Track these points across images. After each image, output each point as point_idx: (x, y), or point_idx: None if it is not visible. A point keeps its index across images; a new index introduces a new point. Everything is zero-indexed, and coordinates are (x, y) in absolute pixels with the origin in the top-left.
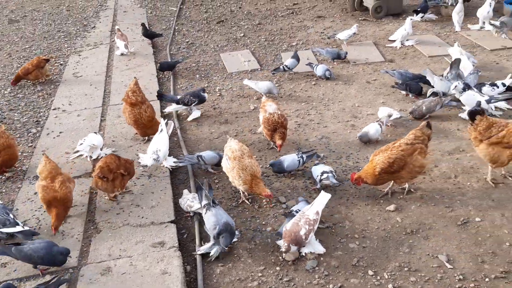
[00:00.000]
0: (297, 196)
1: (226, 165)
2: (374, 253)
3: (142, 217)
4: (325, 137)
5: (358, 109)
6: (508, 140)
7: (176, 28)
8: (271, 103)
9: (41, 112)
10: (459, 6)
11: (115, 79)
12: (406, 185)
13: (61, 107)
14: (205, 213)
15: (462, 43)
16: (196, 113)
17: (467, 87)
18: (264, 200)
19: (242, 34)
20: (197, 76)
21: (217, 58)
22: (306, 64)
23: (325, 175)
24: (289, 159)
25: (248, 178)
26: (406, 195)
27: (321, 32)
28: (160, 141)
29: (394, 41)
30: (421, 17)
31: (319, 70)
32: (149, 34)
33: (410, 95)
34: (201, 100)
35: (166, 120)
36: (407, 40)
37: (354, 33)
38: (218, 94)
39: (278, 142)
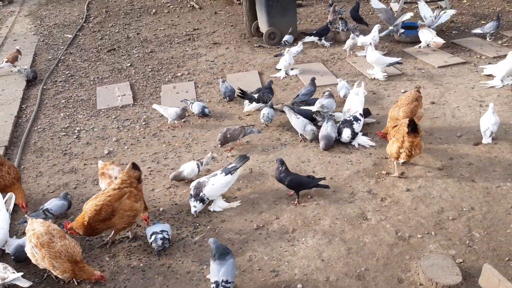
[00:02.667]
0: (123, 274)
1: (33, 254)
2: None
3: None
4: (174, 185)
5: (220, 150)
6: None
7: (62, 58)
8: (113, 166)
9: None
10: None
11: None
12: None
13: None
14: None
15: (347, 70)
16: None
17: None
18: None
19: (129, 64)
20: (61, 115)
21: (93, 92)
22: (181, 101)
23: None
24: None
25: (66, 265)
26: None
27: (211, 61)
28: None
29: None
30: (319, 40)
31: (196, 107)
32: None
33: None
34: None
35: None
36: (291, 69)
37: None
38: (75, 137)
39: (145, 214)
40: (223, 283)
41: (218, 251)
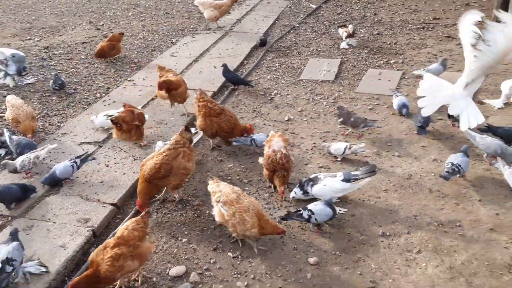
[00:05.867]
0: None
1: (221, 212)
2: None
3: None
4: (326, 166)
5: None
6: None
7: (297, 26)
8: (278, 139)
9: (118, 81)
10: None
11: (197, 66)
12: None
13: (136, 81)
14: None
15: None
16: None
17: None
18: None
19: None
20: (268, 76)
21: (305, 62)
22: (390, 89)
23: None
24: (61, 166)
25: (255, 220)
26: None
27: (434, 55)
28: None
29: None
30: None
31: (396, 102)
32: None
33: None
34: None
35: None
36: None
37: None
38: (269, 98)
39: (280, 188)
40: None
41: None
